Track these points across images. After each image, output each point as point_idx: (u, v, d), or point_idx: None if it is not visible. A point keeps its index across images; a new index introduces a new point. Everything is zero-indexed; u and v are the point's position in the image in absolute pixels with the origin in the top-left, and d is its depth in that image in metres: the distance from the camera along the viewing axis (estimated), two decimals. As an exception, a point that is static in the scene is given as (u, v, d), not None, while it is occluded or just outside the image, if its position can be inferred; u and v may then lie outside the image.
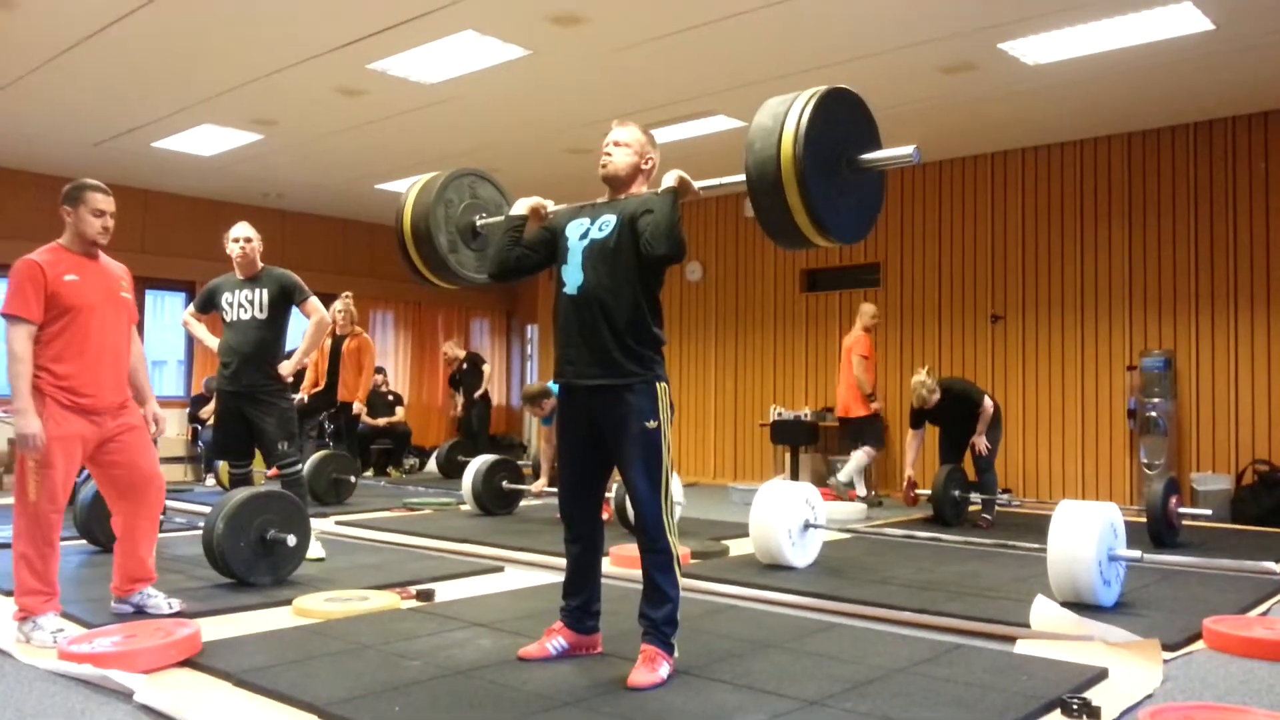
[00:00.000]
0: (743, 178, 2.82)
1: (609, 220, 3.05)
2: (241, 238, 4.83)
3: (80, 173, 10.27)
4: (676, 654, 2.99)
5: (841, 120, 2.82)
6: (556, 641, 3.17)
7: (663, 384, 3.04)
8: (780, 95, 2.84)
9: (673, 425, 3.10)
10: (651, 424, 2.97)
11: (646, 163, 3.17)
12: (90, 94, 7.45)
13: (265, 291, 4.84)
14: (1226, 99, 7.36)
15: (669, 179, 2.98)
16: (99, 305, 3.51)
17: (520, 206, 3.26)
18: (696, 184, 3.01)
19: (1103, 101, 7.40)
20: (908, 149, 2.79)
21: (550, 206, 3.27)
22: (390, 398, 10.93)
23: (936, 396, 6.75)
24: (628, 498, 3.05)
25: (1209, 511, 5.93)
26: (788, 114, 2.72)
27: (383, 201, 11.07)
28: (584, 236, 3.08)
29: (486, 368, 11.28)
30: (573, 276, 3.07)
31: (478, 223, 3.63)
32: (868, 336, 8.07)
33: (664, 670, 2.90)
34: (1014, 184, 8.79)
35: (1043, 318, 8.60)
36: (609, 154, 3.14)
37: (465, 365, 11.06)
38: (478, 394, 10.92)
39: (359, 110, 7.75)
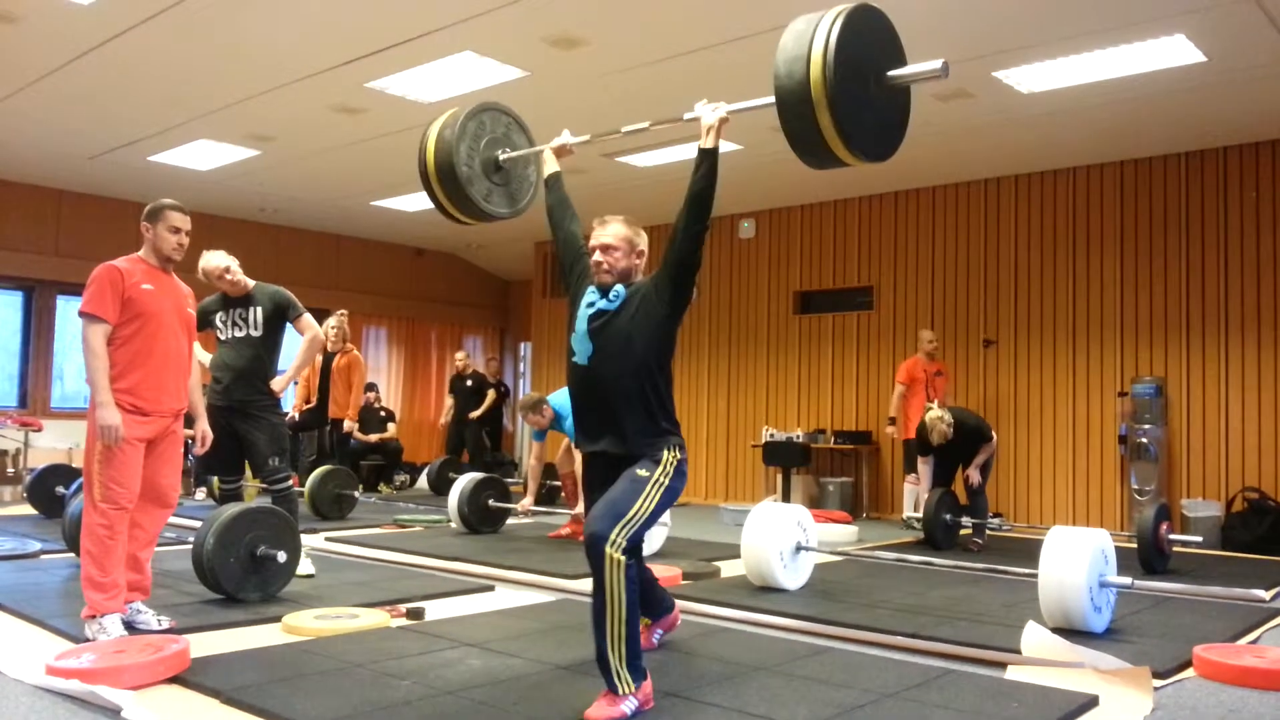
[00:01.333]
0: (772, 99, 2.79)
1: (620, 292, 3.07)
2: (219, 269, 4.78)
3: (75, 185, 10.36)
4: (631, 688, 2.75)
5: (868, 37, 2.80)
6: (654, 634, 3.49)
7: (673, 454, 3.01)
8: (804, 16, 2.80)
9: (674, 490, 2.99)
10: (643, 472, 2.91)
11: (639, 256, 3.18)
12: (87, 108, 7.46)
13: (259, 309, 4.83)
14: (1218, 129, 7.43)
15: (708, 124, 3.00)
16: (167, 316, 3.73)
17: (551, 163, 3.43)
18: (729, 108, 3.03)
19: (1096, 130, 7.46)
20: (935, 62, 2.79)
21: (570, 141, 3.43)
22: (382, 414, 10.91)
23: (952, 433, 6.68)
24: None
25: (1199, 538, 5.95)
26: (815, 32, 2.70)
27: (378, 218, 11.11)
28: (591, 306, 3.09)
29: (490, 394, 10.96)
30: (582, 347, 3.08)
31: (500, 157, 3.66)
32: (907, 363, 8.34)
33: (626, 706, 2.73)
34: (1007, 210, 8.85)
35: (1034, 343, 8.63)
36: (601, 264, 3.10)
37: (470, 382, 10.91)
38: (474, 414, 10.76)
39: (356, 128, 7.78)
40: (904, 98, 3.02)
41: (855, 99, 2.73)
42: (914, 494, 7.95)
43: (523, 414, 6.49)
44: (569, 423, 6.22)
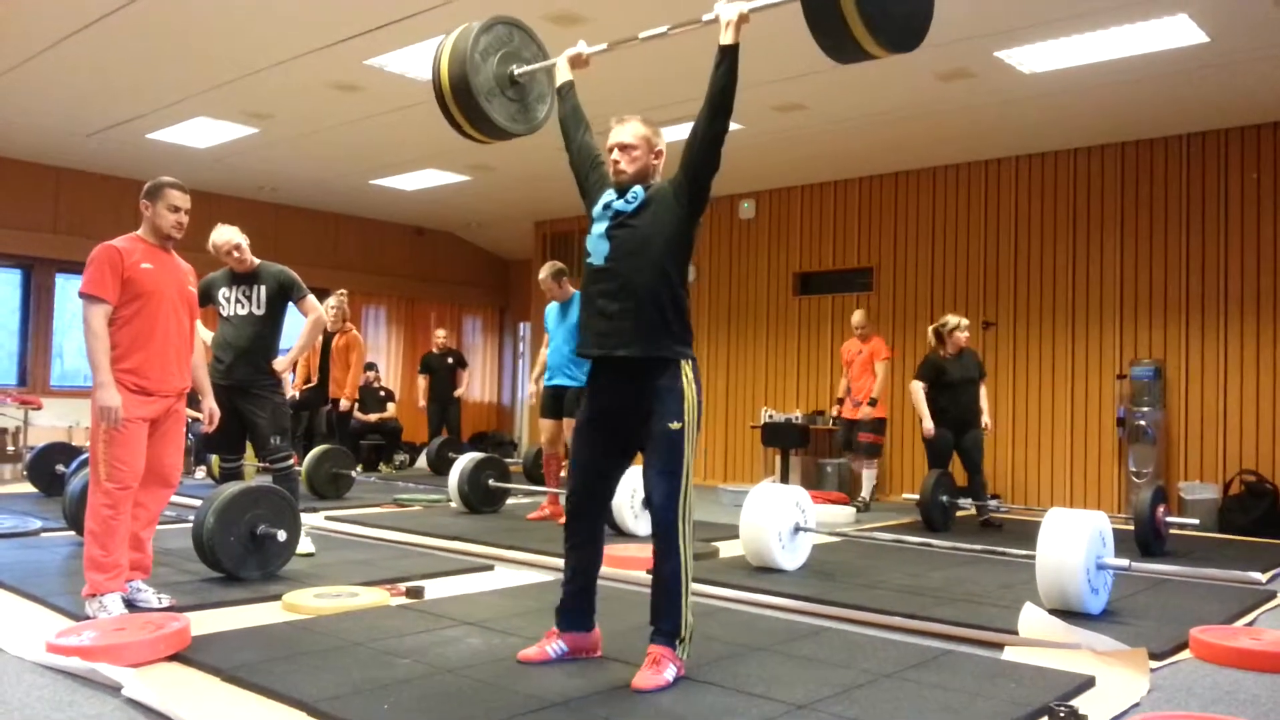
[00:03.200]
0: None
1: (638, 193, 3.04)
2: (229, 245, 4.78)
3: (74, 163, 10.32)
4: (686, 657, 2.97)
5: None
6: (556, 645, 3.14)
7: (689, 368, 3.00)
8: None
9: (699, 423, 3.05)
10: (674, 425, 2.93)
11: (656, 156, 3.15)
12: (85, 85, 7.42)
13: (263, 288, 4.82)
14: (1219, 111, 7.40)
15: (726, 22, 3.00)
16: (168, 295, 3.71)
17: (562, 69, 3.40)
18: (748, 6, 3.00)
19: (1097, 111, 7.43)
20: None
21: (586, 50, 3.40)
22: (382, 394, 10.91)
23: (966, 336, 6.81)
24: (636, 499, 3.03)
25: (1196, 521, 5.96)
26: None
27: (377, 196, 11.07)
28: (608, 207, 3.07)
29: (464, 373, 10.73)
30: (597, 247, 3.06)
31: (515, 71, 3.61)
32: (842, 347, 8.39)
33: (669, 673, 2.89)
34: (1007, 191, 8.82)
35: (1034, 325, 8.63)
36: (617, 162, 3.10)
37: (450, 359, 10.76)
38: (456, 392, 10.51)
39: (355, 105, 7.74)
40: None
41: None
42: (871, 478, 8.06)
43: (543, 282, 6.45)
44: (561, 345, 6.23)
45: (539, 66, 3.60)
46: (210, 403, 4.09)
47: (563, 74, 3.41)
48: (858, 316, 8.18)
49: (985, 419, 6.94)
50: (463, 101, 3.53)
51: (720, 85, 2.96)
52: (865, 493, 7.92)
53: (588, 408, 3.12)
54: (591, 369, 3.15)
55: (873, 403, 7.92)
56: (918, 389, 6.85)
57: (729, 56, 2.95)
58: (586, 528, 3.13)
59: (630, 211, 3.02)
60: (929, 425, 6.79)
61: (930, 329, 7.05)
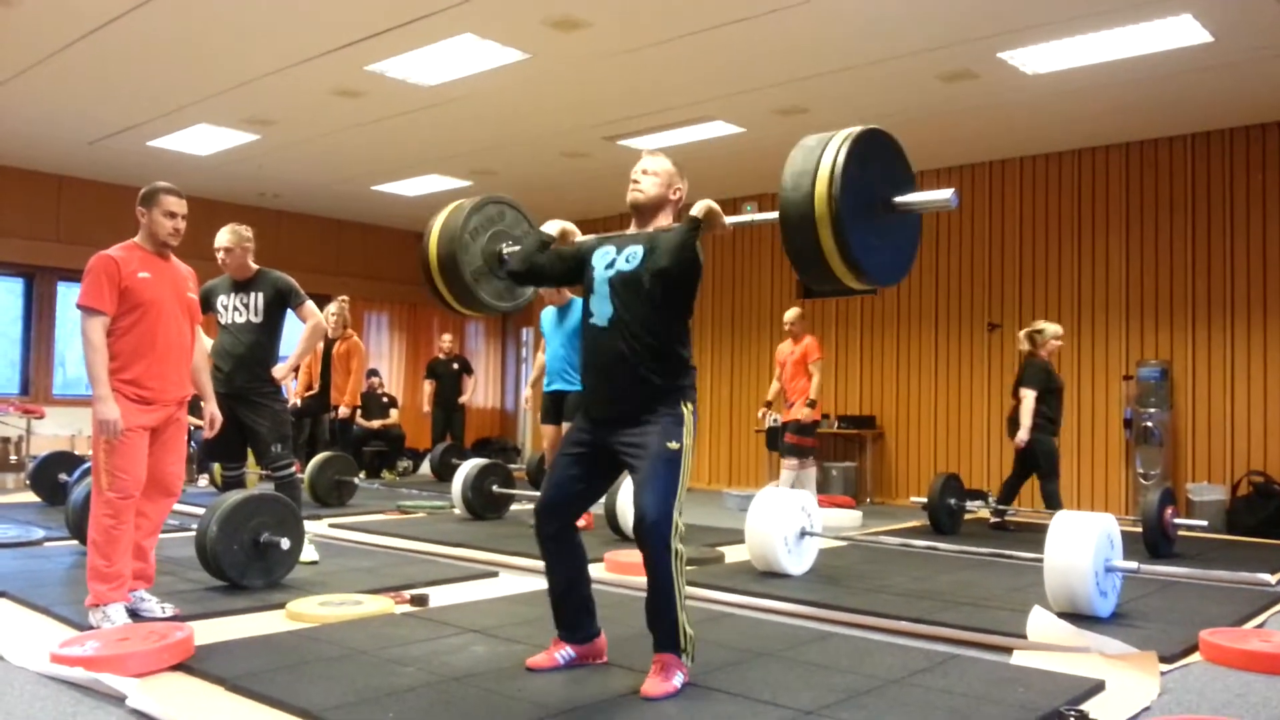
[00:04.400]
0: (775, 215, 2.78)
1: (636, 252, 3.03)
2: (219, 248, 4.78)
3: (75, 171, 10.32)
4: (690, 661, 2.95)
5: (875, 161, 2.79)
6: (564, 652, 3.13)
7: (689, 405, 3.01)
8: (816, 134, 2.79)
9: (694, 447, 3.05)
10: (673, 445, 2.92)
11: (675, 193, 3.15)
12: (85, 93, 7.43)
13: (261, 295, 4.81)
14: (1224, 111, 7.38)
15: (697, 209, 2.98)
16: (168, 303, 3.68)
17: (551, 227, 3.27)
18: (728, 219, 3.01)
19: (1101, 111, 7.41)
20: (946, 193, 2.77)
21: (578, 235, 3.29)
22: (385, 400, 10.89)
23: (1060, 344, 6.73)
24: (633, 508, 2.99)
25: (1205, 522, 5.94)
26: (823, 154, 2.69)
27: (379, 203, 11.07)
28: (610, 266, 3.06)
29: (470, 380, 10.77)
30: (601, 308, 3.04)
31: (504, 250, 3.59)
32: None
33: (677, 680, 2.87)
34: (1012, 193, 8.80)
35: (1039, 327, 8.59)
36: (637, 182, 3.12)
37: (455, 365, 10.78)
38: (461, 399, 10.57)
39: (356, 112, 7.74)
40: (912, 224, 2.99)
41: (861, 221, 2.70)
42: (791, 478, 7.90)
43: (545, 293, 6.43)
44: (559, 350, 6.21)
45: (530, 240, 3.48)
46: (212, 407, 4.08)
47: (549, 230, 3.28)
48: (791, 314, 8.08)
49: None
50: (450, 280, 3.54)
51: (677, 243, 2.95)
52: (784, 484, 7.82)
53: (581, 434, 3.10)
54: (588, 421, 3.11)
55: (811, 404, 7.83)
56: (1030, 397, 6.59)
57: (693, 226, 2.97)
58: (560, 539, 3.09)
59: (631, 270, 3.01)
60: (1024, 435, 6.56)
61: (1023, 333, 6.82)
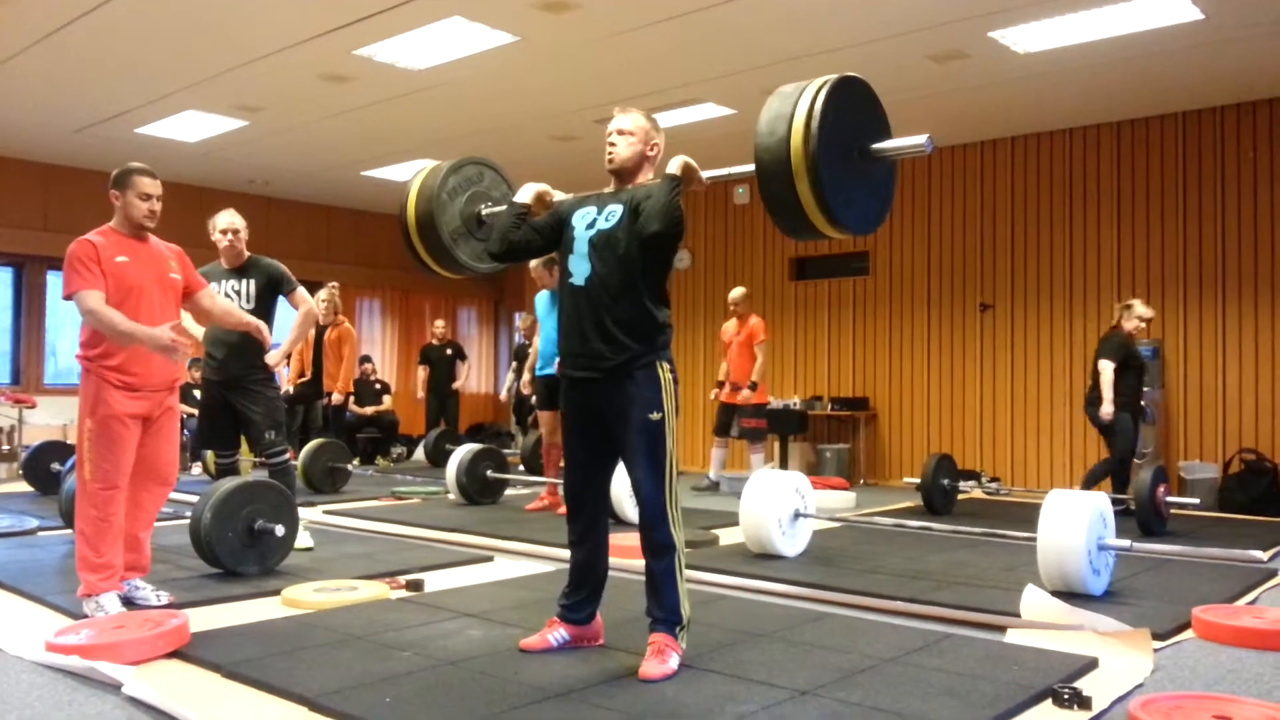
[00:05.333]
0: (752, 167, 2.77)
1: (615, 210, 3.01)
2: (230, 229, 4.77)
3: (62, 159, 10.26)
4: (685, 645, 2.97)
5: (852, 109, 2.77)
6: (558, 633, 3.14)
7: (666, 365, 3.01)
8: (790, 83, 2.78)
9: (678, 410, 3.07)
10: (655, 415, 2.94)
11: (651, 149, 3.13)
12: (71, 79, 7.37)
13: (253, 282, 4.79)
14: (1215, 88, 7.37)
15: (673, 165, 2.96)
16: (149, 287, 3.60)
17: (526, 193, 3.24)
18: (706, 173, 3.00)
19: (1092, 90, 7.40)
20: (920, 138, 2.75)
21: (556, 195, 3.26)
22: (378, 386, 10.87)
23: (1141, 326, 6.48)
24: (631, 490, 3.00)
25: (1197, 500, 5.95)
26: (798, 103, 2.67)
27: (369, 189, 11.02)
28: (590, 226, 3.04)
29: (463, 365, 10.79)
30: (579, 267, 3.03)
31: (482, 211, 3.58)
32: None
33: (674, 661, 2.89)
34: (1003, 172, 8.80)
35: (1031, 306, 8.62)
36: (613, 144, 3.09)
37: (449, 350, 10.79)
38: (455, 384, 10.59)
39: (345, 97, 7.69)
40: (888, 171, 2.97)
41: (836, 169, 2.69)
42: (720, 457, 8.21)
43: (534, 270, 6.40)
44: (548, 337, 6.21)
45: (506, 209, 3.44)
46: (244, 318, 4.10)
47: (523, 197, 3.24)
48: (736, 293, 8.08)
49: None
50: (429, 241, 3.53)
51: (662, 204, 2.91)
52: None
53: (568, 408, 3.12)
54: (568, 387, 3.13)
55: (753, 386, 7.84)
56: (1109, 369, 6.34)
57: (674, 185, 2.94)
58: (587, 522, 3.12)
59: (610, 228, 3.00)
60: (1109, 409, 6.34)
61: (1117, 306, 6.66)
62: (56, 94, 7.72)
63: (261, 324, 4.12)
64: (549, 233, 3.18)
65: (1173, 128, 7.96)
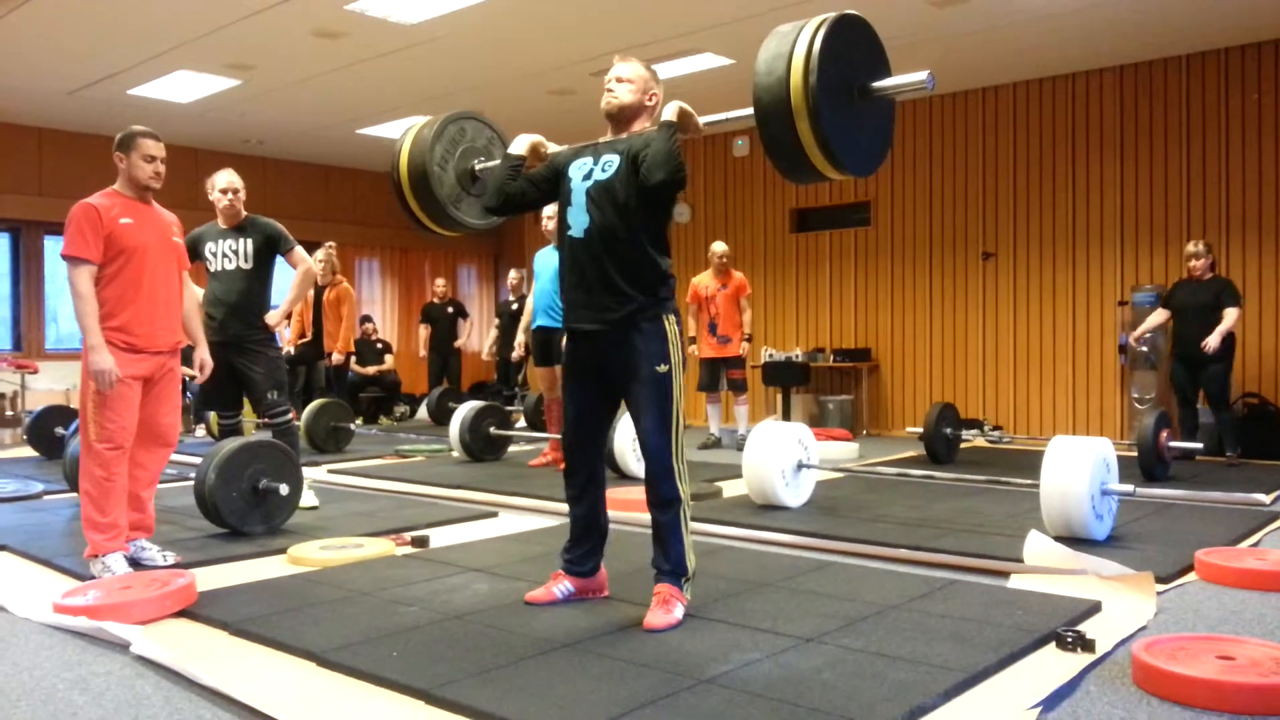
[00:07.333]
0: (750, 110, 2.73)
1: (612, 160, 2.98)
2: (230, 188, 4.73)
3: (55, 122, 10.16)
4: (690, 595, 2.99)
5: (851, 47, 2.71)
6: (563, 586, 3.16)
7: (671, 317, 2.99)
8: (788, 22, 2.73)
9: (685, 363, 3.05)
10: (662, 368, 2.93)
11: (650, 99, 3.08)
12: (62, 40, 7.27)
13: (250, 241, 4.76)
14: (1219, 30, 7.26)
15: (669, 111, 2.92)
16: (153, 248, 3.62)
17: (520, 144, 3.19)
18: (701, 119, 2.95)
19: (1095, 34, 7.29)
20: (920, 75, 2.69)
21: (550, 147, 3.21)
22: (379, 346, 10.87)
23: (1204, 261, 6.51)
24: (637, 443, 2.99)
25: (1200, 445, 5.95)
26: (796, 41, 2.61)
27: (365, 146, 10.92)
28: (587, 177, 3.01)
29: (465, 324, 10.80)
30: (578, 219, 3.00)
31: (476, 167, 3.54)
32: (692, 281, 8.16)
33: (679, 611, 2.91)
34: (1005, 119, 8.70)
35: (1034, 254, 8.56)
36: (611, 90, 3.05)
37: (450, 309, 10.77)
38: (457, 343, 10.62)
39: (338, 53, 7.59)
40: (887, 110, 2.91)
41: (837, 108, 2.63)
42: (716, 412, 8.34)
43: (547, 224, 6.35)
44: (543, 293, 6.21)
45: (499, 163, 3.32)
46: (203, 353, 4.06)
47: (518, 149, 3.18)
48: (719, 247, 8.02)
49: (1209, 340, 6.28)
50: (422, 198, 3.48)
51: (664, 153, 2.86)
52: (742, 427, 7.86)
53: (571, 361, 3.10)
54: (570, 340, 3.11)
55: (749, 339, 7.95)
56: (1157, 315, 6.75)
57: (671, 131, 2.90)
58: (585, 475, 3.12)
59: (607, 179, 2.96)
60: (1135, 335, 6.82)
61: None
62: (47, 56, 7.63)
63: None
64: (545, 185, 3.14)
65: (1176, 71, 7.85)
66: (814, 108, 2.57)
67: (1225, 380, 6.46)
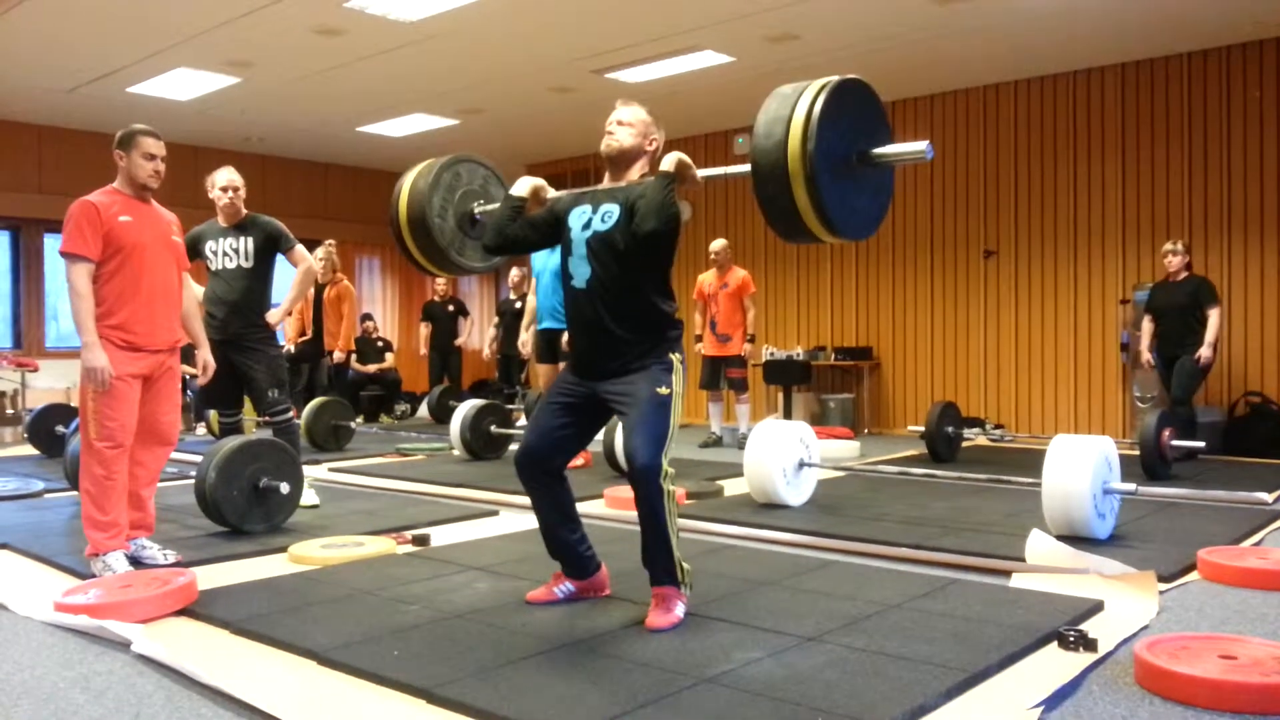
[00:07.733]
0: (747, 168, 2.71)
1: (611, 210, 2.97)
2: (230, 186, 4.72)
3: (56, 121, 10.16)
4: (689, 591, 2.98)
5: (852, 112, 2.70)
6: (564, 586, 3.15)
7: (676, 355, 2.99)
8: (790, 84, 2.70)
9: (683, 394, 3.03)
10: (664, 390, 2.91)
11: (650, 144, 3.08)
12: (61, 37, 7.27)
13: (251, 240, 4.75)
14: (1220, 28, 7.24)
15: (667, 162, 2.90)
16: (151, 246, 3.62)
17: (521, 186, 3.18)
18: (701, 172, 2.94)
19: (1096, 32, 7.28)
20: (920, 145, 2.69)
21: (550, 191, 3.21)
22: (380, 344, 10.86)
23: (1180, 259, 6.54)
24: (622, 452, 2.96)
25: (1202, 444, 5.94)
26: (796, 104, 2.60)
27: (366, 144, 10.92)
28: (586, 227, 3.00)
29: (466, 322, 10.74)
30: (579, 270, 3.00)
31: (476, 210, 3.52)
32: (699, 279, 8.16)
33: (679, 610, 2.90)
34: (1006, 117, 8.69)
35: (1035, 252, 8.55)
36: (611, 132, 3.05)
37: (450, 307, 10.74)
38: (457, 341, 10.59)
39: (338, 50, 7.59)
40: (886, 176, 2.90)
41: (835, 175, 2.62)
42: (718, 410, 8.31)
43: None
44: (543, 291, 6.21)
45: (499, 205, 3.30)
46: (205, 353, 4.06)
47: (519, 191, 3.17)
48: (719, 244, 8.00)
49: (1201, 350, 6.33)
50: (421, 242, 3.46)
51: (656, 202, 2.86)
52: (744, 426, 7.85)
53: (568, 387, 3.06)
54: (574, 375, 3.09)
55: (752, 339, 7.90)
56: (1148, 325, 6.75)
57: (668, 182, 2.89)
58: (541, 485, 3.06)
59: (607, 230, 2.95)
60: (1143, 356, 6.76)
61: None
62: (46, 53, 7.62)
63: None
64: (544, 229, 3.13)
65: (1177, 69, 7.83)
66: (811, 174, 2.55)
67: (1195, 376, 6.47)
